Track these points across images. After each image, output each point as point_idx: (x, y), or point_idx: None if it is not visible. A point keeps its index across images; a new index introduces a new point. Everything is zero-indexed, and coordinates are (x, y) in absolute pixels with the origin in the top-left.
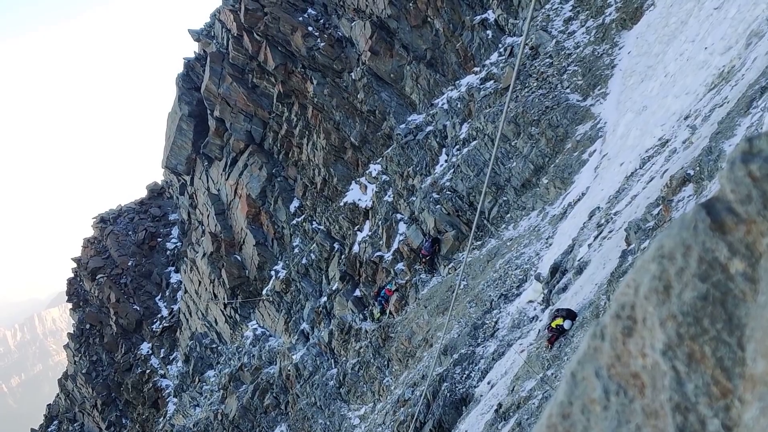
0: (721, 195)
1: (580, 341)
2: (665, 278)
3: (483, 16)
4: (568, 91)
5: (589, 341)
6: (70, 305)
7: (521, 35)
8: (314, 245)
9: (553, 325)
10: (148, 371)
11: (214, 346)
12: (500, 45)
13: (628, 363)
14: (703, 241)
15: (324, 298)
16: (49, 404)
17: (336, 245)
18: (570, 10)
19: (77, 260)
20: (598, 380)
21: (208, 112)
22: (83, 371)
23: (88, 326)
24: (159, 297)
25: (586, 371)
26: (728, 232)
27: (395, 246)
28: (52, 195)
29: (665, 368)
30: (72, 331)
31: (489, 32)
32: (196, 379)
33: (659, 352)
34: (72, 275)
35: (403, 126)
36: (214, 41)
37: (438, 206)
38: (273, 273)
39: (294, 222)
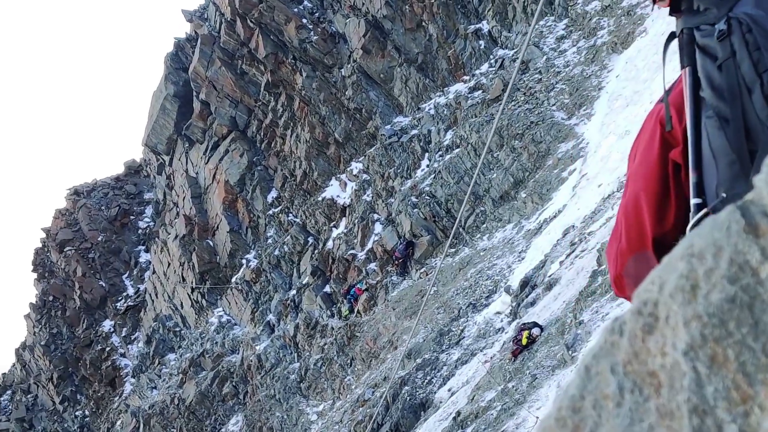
0: (756, 198)
1: (544, 356)
2: (693, 277)
3: (477, 26)
4: (554, 108)
5: (606, 336)
6: (35, 275)
7: (513, 49)
8: (288, 237)
9: (524, 340)
10: (108, 349)
11: (177, 329)
12: (492, 56)
13: (645, 361)
14: (735, 243)
15: (293, 291)
16: (4, 373)
17: (310, 239)
18: (563, 29)
19: (46, 231)
20: (613, 376)
21: (194, 94)
22: (42, 343)
23: (51, 298)
24: (126, 275)
25: (601, 366)
26: (762, 235)
27: (369, 245)
28: (23, 166)
29: (686, 369)
30: (34, 302)
31: (482, 42)
32: (156, 362)
33: (681, 352)
34: (40, 245)
35: (388, 127)
36: (207, 23)
37: (416, 210)
38: (244, 261)
39: (270, 212)
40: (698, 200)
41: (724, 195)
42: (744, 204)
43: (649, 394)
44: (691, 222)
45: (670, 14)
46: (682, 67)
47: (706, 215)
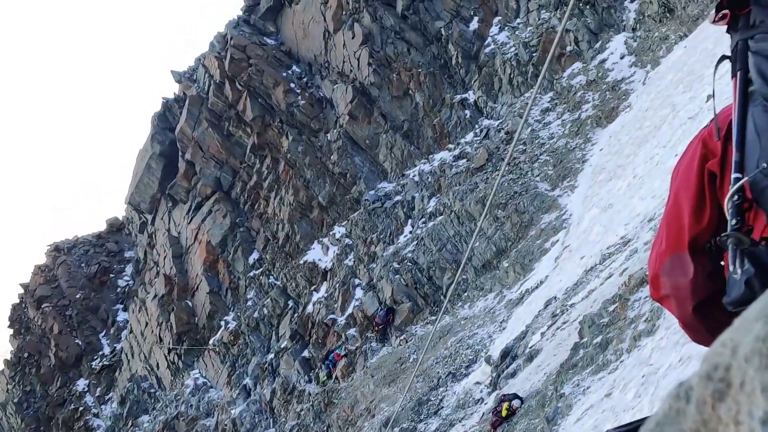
0: None
1: (523, 429)
2: None
3: (463, 95)
4: (537, 179)
5: (671, 402)
6: (11, 331)
7: (499, 119)
8: (268, 300)
9: (504, 411)
10: (81, 408)
11: (152, 390)
12: (477, 126)
13: (716, 430)
14: None
15: (271, 355)
16: None
17: (290, 303)
18: (548, 101)
19: (25, 286)
20: None
21: (180, 154)
22: (15, 400)
23: (26, 355)
24: (103, 334)
25: None
26: None
27: (350, 311)
28: (4, 220)
29: None
30: (9, 358)
31: (467, 112)
32: (129, 423)
33: (759, 421)
34: (17, 301)
35: (372, 192)
36: (195, 85)
37: (397, 276)
38: (223, 323)
39: (251, 274)
40: (738, 175)
41: (765, 164)
42: None
43: None
44: (730, 192)
45: (727, 32)
46: (733, 75)
47: (743, 185)
